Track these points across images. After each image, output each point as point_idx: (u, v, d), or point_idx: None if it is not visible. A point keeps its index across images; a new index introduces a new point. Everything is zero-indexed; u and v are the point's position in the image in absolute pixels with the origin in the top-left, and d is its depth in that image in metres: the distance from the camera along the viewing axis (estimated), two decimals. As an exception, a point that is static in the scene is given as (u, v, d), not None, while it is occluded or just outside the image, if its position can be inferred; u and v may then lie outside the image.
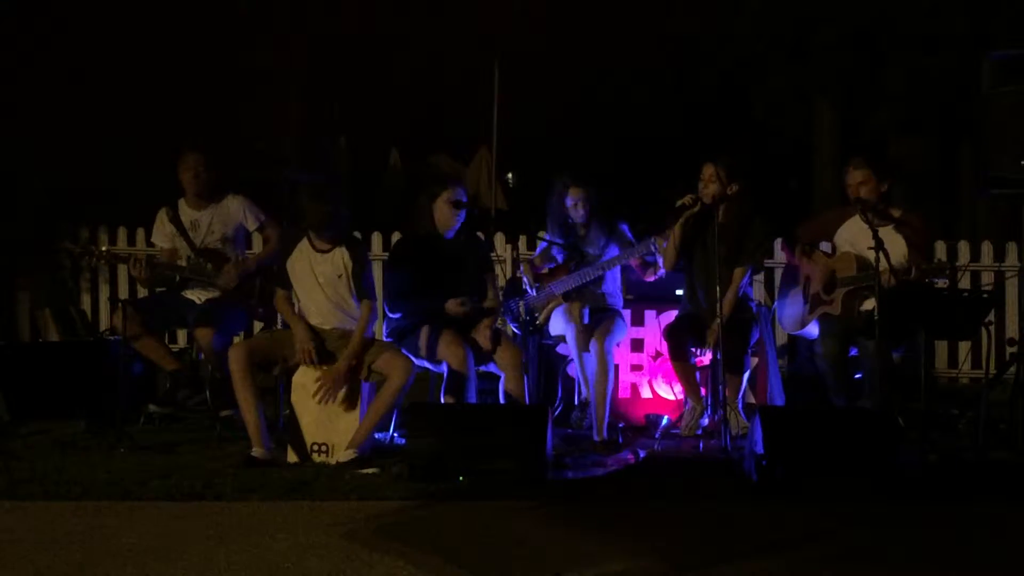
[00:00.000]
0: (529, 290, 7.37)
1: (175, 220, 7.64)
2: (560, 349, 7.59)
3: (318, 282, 6.63)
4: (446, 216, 7.01)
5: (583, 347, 7.07)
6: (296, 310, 6.74)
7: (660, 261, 7.35)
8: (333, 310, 6.64)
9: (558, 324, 7.28)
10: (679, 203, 7.08)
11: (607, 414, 7.05)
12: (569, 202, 7.33)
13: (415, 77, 15.05)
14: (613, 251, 7.35)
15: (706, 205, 7.04)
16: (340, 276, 6.62)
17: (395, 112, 15.69)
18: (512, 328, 7.27)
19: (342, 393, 6.47)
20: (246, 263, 7.61)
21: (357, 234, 6.87)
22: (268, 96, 13.40)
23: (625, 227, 7.51)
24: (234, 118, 12.46)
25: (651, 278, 7.55)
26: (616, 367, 7.28)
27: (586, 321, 7.10)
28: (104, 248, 8.31)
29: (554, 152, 14.88)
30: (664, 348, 7.43)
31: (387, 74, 14.72)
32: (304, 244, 6.67)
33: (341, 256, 6.63)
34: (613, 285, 7.46)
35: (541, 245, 7.71)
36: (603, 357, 7.02)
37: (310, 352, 6.49)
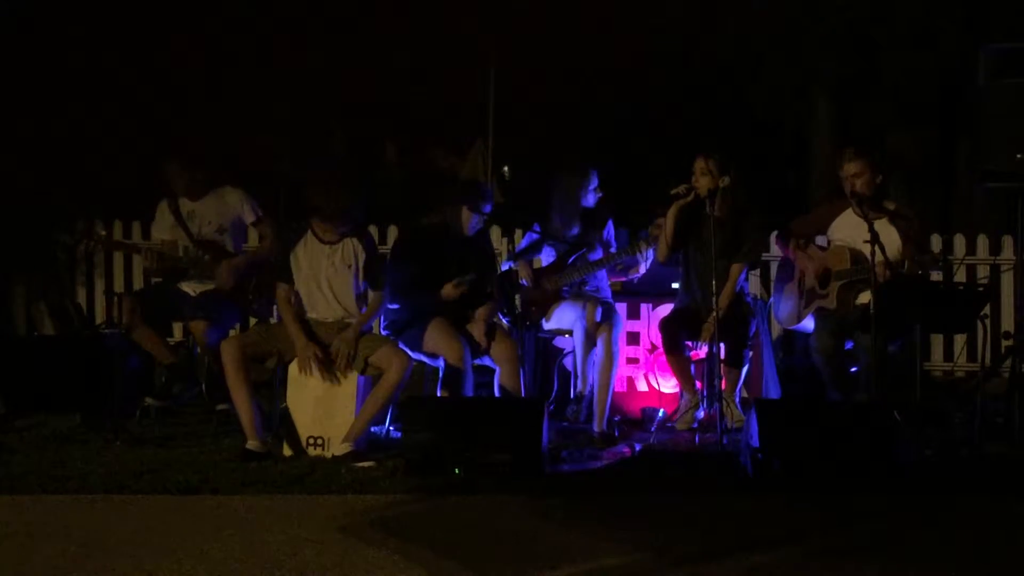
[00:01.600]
0: (525, 284, 7.37)
1: (175, 211, 7.64)
2: (556, 342, 7.60)
3: (325, 274, 6.62)
4: (466, 220, 7.03)
5: (592, 341, 7.09)
6: (295, 308, 6.72)
7: (641, 262, 7.39)
8: (337, 304, 6.63)
9: (564, 319, 7.29)
10: (672, 192, 7.10)
11: (608, 405, 7.06)
12: (593, 185, 7.38)
13: (412, 70, 15.01)
14: (608, 245, 7.43)
15: (699, 197, 7.05)
16: (350, 266, 6.62)
17: (391, 105, 15.64)
18: (504, 322, 7.28)
19: (338, 386, 6.47)
20: (238, 261, 7.58)
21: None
22: (264, 91, 13.38)
23: (610, 223, 7.57)
24: (230, 113, 12.45)
25: (623, 278, 7.59)
26: (613, 359, 7.30)
27: (598, 318, 7.11)
28: (103, 233, 8.30)
29: (550, 145, 14.85)
30: (659, 341, 7.43)
31: (383, 67, 14.69)
32: (309, 237, 6.66)
33: (352, 247, 6.63)
34: (602, 279, 7.49)
35: (529, 236, 7.70)
36: (610, 349, 7.06)
37: (310, 364, 6.48)
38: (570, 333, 7.28)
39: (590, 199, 7.43)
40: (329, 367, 6.48)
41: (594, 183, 7.42)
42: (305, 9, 13.79)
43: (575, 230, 7.45)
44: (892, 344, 6.91)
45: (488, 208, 7.08)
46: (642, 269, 7.50)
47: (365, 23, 13.94)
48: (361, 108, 15.19)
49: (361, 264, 6.63)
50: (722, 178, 7.07)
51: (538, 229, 7.53)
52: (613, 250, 7.46)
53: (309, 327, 6.60)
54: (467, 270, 6.96)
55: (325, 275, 6.62)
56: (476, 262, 7.07)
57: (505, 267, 7.47)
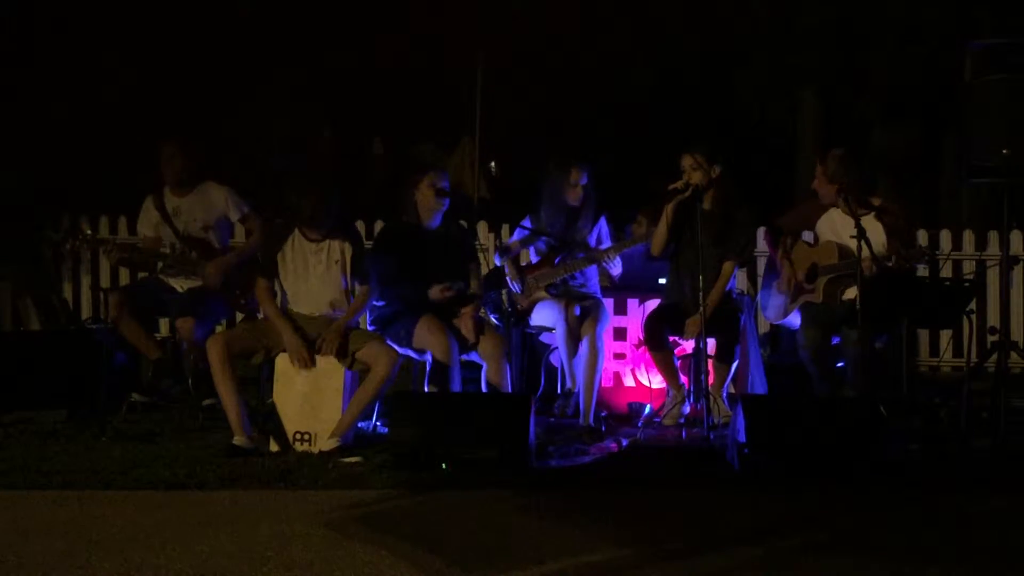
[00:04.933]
0: (511, 284, 7.38)
1: (160, 207, 7.62)
2: (543, 338, 7.60)
3: (312, 272, 6.62)
4: (427, 202, 7.01)
5: (575, 338, 7.11)
6: (280, 303, 6.71)
7: (612, 269, 7.39)
8: (323, 300, 6.64)
9: (544, 317, 7.29)
10: (671, 187, 7.10)
11: (595, 400, 7.07)
12: (570, 183, 7.36)
13: (399, 65, 15.02)
14: (593, 242, 7.43)
15: (697, 191, 7.02)
16: (337, 262, 6.62)
17: (378, 101, 15.66)
18: (492, 319, 7.28)
19: (326, 381, 6.46)
20: (226, 260, 7.56)
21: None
22: (254, 88, 13.37)
23: (603, 220, 7.56)
24: (221, 109, 12.45)
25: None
26: (600, 355, 7.30)
27: (577, 314, 7.14)
28: (88, 231, 8.29)
29: (537, 141, 14.87)
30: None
31: (371, 63, 14.70)
32: (296, 235, 6.66)
33: (339, 245, 6.63)
34: (589, 275, 7.49)
35: (519, 231, 7.69)
36: (594, 344, 7.08)
37: (304, 357, 6.47)
38: (553, 329, 7.29)
39: (569, 197, 7.40)
40: (316, 359, 6.49)
41: (573, 180, 7.38)
42: (296, 6, 13.80)
43: (560, 227, 7.45)
44: (878, 339, 6.93)
45: (443, 182, 7.05)
46: (615, 271, 7.48)
47: (354, 20, 13.94)
48: (349, 104, 15.21)
49: (348, 259, 6.63)
50: (713, 168, 7.10)
51: (527, 224, 7.53)
52: (604, 247, 7.45)
53: (294, 320, 6.61)
54: (447, 259, 6.95)
55: (312, 272, 6.62)
56: (455, 251, 7.07)
57: (496, 260, 7.47)
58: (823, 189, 7.19)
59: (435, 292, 6.86)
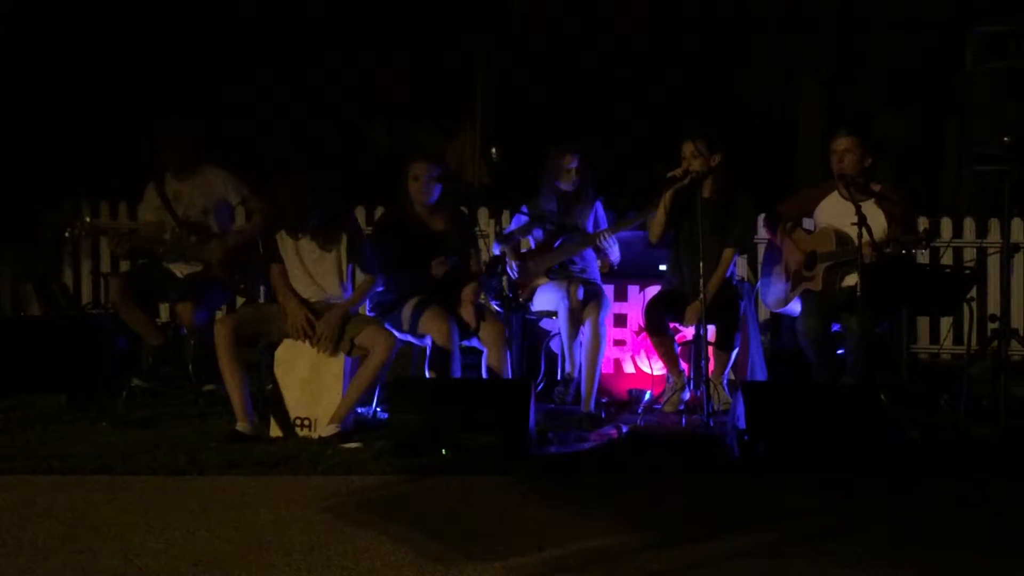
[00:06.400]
0: (511, 272, 7.37)
1: (161, 193, 7.62)
2: (543, 324, 7.60)
3: (305, 259, 6.61)
4: (416, 193, 7.01)
5: (577, 323, 7.11)
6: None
7: (608, 249, 7.38)
8: (318, 286, 6.63)
9: (546, 301, 7.29)
10: (670, 175, 7.10)
11: (596, 387, 7.08)
12: (564, 168, 7.36)
13: (401, 50, 14.99)
14: (591, 226, 7.43)
15: (695, 178, 7.02)
16: (331, 252, 6.60)
17: (379, 86, 15.62)
18: (493, 305, 7.28)
19: (326, 367, 6.45)
20: (228, 239, 7.57)
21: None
22: (254, 74, 13.35)
23: (599, 204, 7.56)
24: (219, 94, 12.43)
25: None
26: (600, 340, 7.31)
27: (580, 297, 7.14)
28: (87, 219, 8.28)
29: (538, 127, 14.85)
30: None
31: (372, 47, 14.66)
32: None
33: (333, 236, 6.60)
34: (589, 260, 7.49)
35: (518, 218, 7.69)
36: (596, 330, 7.09)
37: (304, 326, 6.47)
38: (554, 315, 7.29)
39: (563, 182, 7.41)
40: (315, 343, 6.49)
41: (572, 164, 7.39)
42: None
43: (558, 212, 7.45)
44: (878, 326, 6.92)
45: (435, 172, 7.04)
46: (613, 257, 7.47)
47: (357, 4, 13.90)
48: (351, 91, 15.17)
49: (343, 248, 6.61)
50: (713, 157, 7.10)
51: (525, 211, 7.53)
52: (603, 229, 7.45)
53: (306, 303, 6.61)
54: (446, 245, 6.95)
55: (306, 260, 6.61)
56: (455, 236, 7.07)
57: (495, 249, 7.46)
58: (851, 158, 7.04)
59: (435, 266, 6.85)
